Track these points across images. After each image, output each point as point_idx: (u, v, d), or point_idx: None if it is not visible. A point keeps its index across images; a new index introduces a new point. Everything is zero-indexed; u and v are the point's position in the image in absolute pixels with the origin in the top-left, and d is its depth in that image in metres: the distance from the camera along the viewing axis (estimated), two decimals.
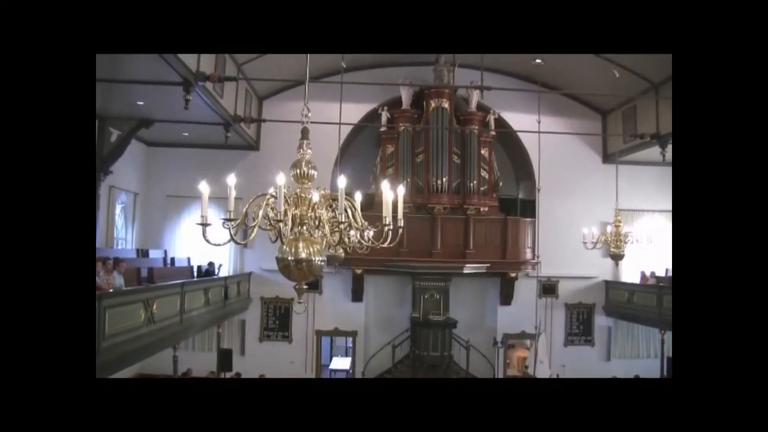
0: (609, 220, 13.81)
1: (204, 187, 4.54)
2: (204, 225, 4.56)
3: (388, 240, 4.84)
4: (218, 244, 4.77)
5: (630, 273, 18.98)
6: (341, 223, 4.63)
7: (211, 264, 16.53)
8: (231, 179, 4.53)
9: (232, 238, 4.66)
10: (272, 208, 4.68)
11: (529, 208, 19.15)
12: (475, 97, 18.21)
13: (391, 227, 4.73)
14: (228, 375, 16.29)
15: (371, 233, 5.28)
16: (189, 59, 11.26)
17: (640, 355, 19.17)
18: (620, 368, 18.57)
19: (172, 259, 17.07)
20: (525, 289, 18.42)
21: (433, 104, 18.12)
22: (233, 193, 4.54)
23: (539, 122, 15.09)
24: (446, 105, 18.07)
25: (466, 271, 17.55)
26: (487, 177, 18.26)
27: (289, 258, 4.60)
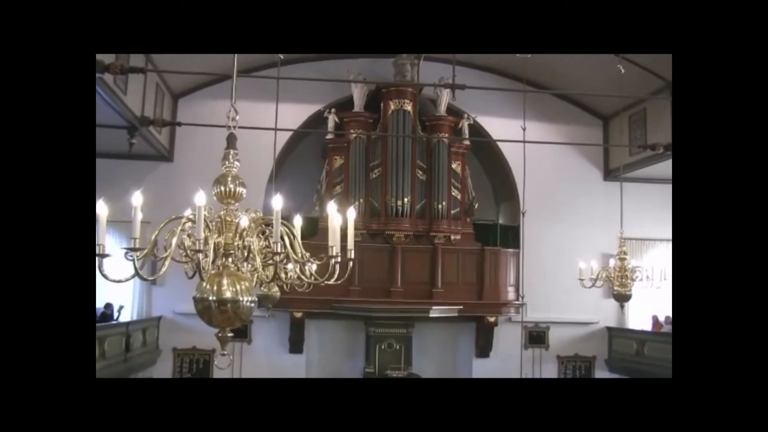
0: (612, 251, 13.94)
1: (101, 208, 4.50)
2: (100, 256, 4.51)
3: (336, 276, 4.84)
4: (119, 281, 4.69)
5: (639, 318, 19.14)
6: (276, 254, 4.62)
7: (108, 306, 16.32)
8: (136, 198, 4.49)
9: (136, 273, 4.59)
10: (189, 235, 4.66)
11: (511, 237, 19.25)
12: (445, 97, 18.35)
13: (340, 260, 4.74)
14: None
15: (314, 267, 5.28)
16: None
17: None
18: None
19: None
20: (507, 337, 18.47)
21: (392, 106, 18.22)
22: (139, 216, 4.50)
23: (524, 129, 15.13)
24: (409, 107, 18.19)
25: (433, 314, 17.57)
26: (459, 197, 18.40)
27: (211, 298, 4.57)
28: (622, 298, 12.92)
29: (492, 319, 18.59)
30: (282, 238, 4.65)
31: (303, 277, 5.21)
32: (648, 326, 18.81)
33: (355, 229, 5.00)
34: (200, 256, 4.57)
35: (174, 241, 4.67)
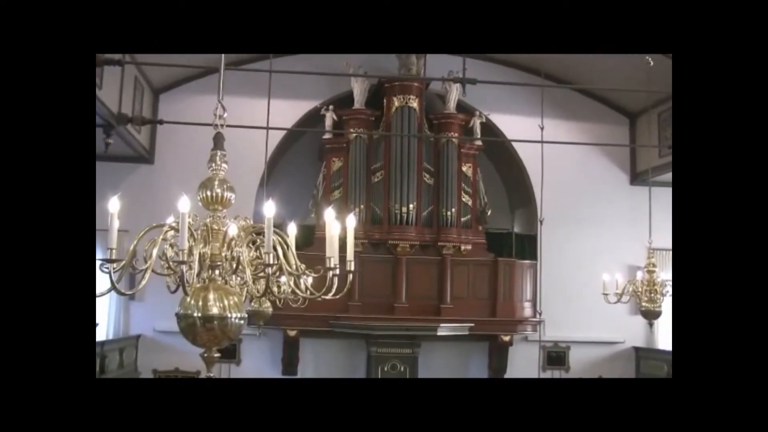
0: (639, 263, 13.91)
1: None
2: None
3: (334, 290, 4.83)
4: None
5: (670, 337, 18.88)
6: (268, 265, 4.60)
7: None
8: (113, 204, 4.48)
9: (113, 287, 4.58)
10: (172, 245, 4.66)
11: (527, 247, 19.22)
12: (454, 93, 18.30)
13: (338, 272, 4.73)
14: None
15: (310, 280, 5.27)
16: None
17: None
18: None
19: None
20: (523, 357, 18.36)
21: (396, 103, 18.16)
22: (116, 224, 4.49)
23: (542, 128, 15.10)
24: (415, 104, 18.13)
25: (441, 333, 17.53)
26: (470, 203, 18.33)
27: (195, 314, 4.56)
28: (651, 315, 12.79)
29: (506, 338, 18.46)
30: (274, 249, 4.63)
31: (297, 291, 5.19)
32: None
33: (356, 238, 5.00)
34: (184, 268, 4.53)
35: (155, 251, 4.66)
